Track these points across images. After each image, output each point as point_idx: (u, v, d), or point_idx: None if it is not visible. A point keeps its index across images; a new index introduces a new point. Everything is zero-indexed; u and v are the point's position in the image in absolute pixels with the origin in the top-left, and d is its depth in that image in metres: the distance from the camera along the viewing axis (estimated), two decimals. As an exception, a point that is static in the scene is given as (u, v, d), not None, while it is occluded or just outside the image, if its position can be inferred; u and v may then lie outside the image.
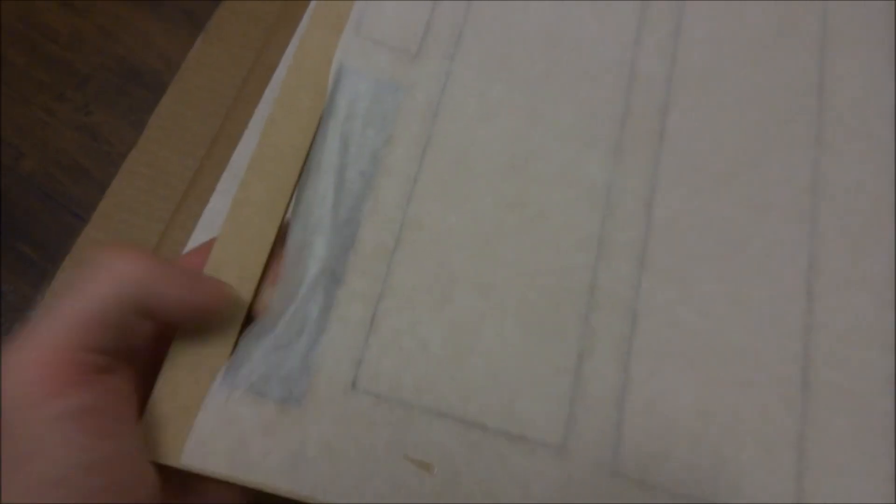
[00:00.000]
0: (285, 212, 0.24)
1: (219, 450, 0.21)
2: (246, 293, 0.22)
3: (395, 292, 0.24)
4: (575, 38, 0.31)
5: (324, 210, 0.25)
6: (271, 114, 0.25)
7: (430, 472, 0.22)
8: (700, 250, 0.28)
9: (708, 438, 0.25)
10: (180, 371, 0.21)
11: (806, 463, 0.26)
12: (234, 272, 0.23)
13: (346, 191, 0.26)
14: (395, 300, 0.24)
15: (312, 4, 0.39)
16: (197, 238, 0.33)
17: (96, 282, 0.19)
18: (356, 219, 0.25)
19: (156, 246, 0.34)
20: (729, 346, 0.27)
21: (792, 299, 0.28)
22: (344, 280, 0.24)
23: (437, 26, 0.29)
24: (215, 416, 0.21)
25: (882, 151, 0.32)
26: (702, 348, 0.26)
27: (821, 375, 0.27)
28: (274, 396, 0.22)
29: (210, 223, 0.33)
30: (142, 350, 0.21)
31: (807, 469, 0.26)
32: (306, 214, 0.25)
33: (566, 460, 0.24)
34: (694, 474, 0.25)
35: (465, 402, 0.23)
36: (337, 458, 0.22)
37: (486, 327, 0.25)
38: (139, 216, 0.35)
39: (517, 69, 0.29)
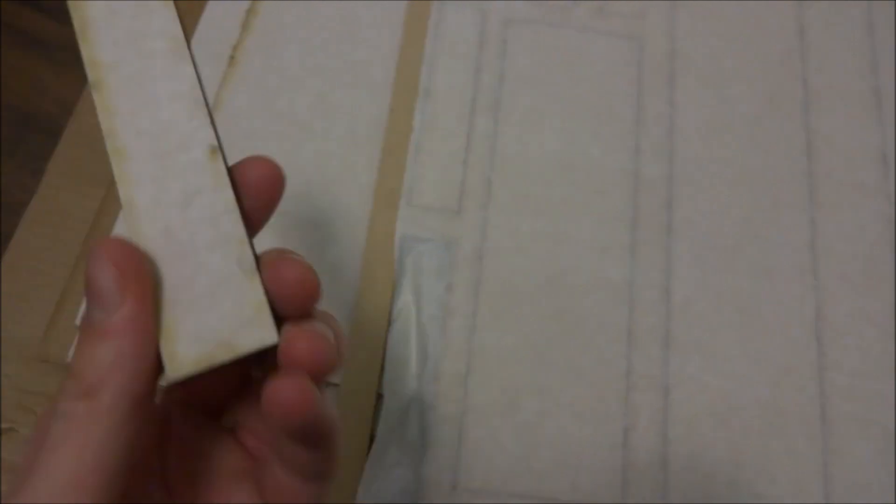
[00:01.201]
0: (382, 364, 0.31)
1: None
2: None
3: (474, 409, 0.30)
4: (583, 159, 0.35)
5: (409, 351, 0.31)
6: (360, 285, 0.32)
7: None
8: (717, 322, 0.32)
9: (744, 482, 0.29)
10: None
11: (832, 488, 0.29)
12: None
13: (422, 334, 0.31)
14: (474, 416, 0.30)
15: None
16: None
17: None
18: (434, 354, 0.31)
19: (62, 292, 0.34)
20: (753, 399, 0.30)
21: (804, 347, 0.32)
22: (433, 406, 0.30)
23: (470, 183, 0.34)
24: None
25: (873, 196, 0.35)
26: (729, 406, 0.30)
27: (838, 409, 0.30)
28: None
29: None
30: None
31: (833, 493, 0.29)
32: (395, 358, 0.30)
33: None
34: None
35: (540, 484, 0.29)
36: None
37: (547, 424, 0.30)
38: (45, 263, 0.35)
39: (540, 201, 0.34)
